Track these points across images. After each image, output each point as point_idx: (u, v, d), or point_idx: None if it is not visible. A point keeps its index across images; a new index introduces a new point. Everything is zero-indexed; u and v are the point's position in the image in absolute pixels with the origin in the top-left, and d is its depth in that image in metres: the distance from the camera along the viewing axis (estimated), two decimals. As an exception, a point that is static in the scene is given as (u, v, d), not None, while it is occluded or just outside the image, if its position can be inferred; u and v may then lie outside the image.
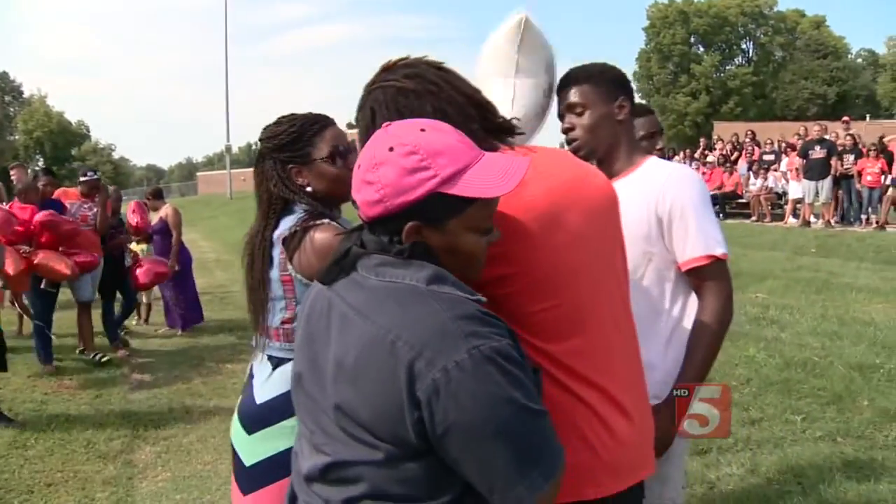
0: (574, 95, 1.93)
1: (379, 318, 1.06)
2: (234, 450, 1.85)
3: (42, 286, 5.91)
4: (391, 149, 1.09)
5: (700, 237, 1.83)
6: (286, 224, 1.80)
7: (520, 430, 1.03)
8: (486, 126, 1.36)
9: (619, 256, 1.48)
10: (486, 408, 1.00)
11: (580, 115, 1.93)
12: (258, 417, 1.78)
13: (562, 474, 1.08)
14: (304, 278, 1.74)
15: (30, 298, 6.14)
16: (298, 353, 1.24)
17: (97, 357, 6.30)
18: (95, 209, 6.43)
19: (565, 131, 1.97)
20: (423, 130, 1.11)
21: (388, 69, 1.37)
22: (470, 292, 1.10)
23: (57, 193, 6.47)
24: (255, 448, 1.78)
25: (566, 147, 2.01)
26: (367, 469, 1.08)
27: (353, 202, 1.17)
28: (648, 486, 1.84)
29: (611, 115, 1.92)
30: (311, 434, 1.18)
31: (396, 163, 1.08)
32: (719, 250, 1.84)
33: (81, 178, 6.65)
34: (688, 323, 1.88)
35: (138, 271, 6.69)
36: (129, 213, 7.51)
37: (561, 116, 1.98)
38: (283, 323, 1.81)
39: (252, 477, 1.78)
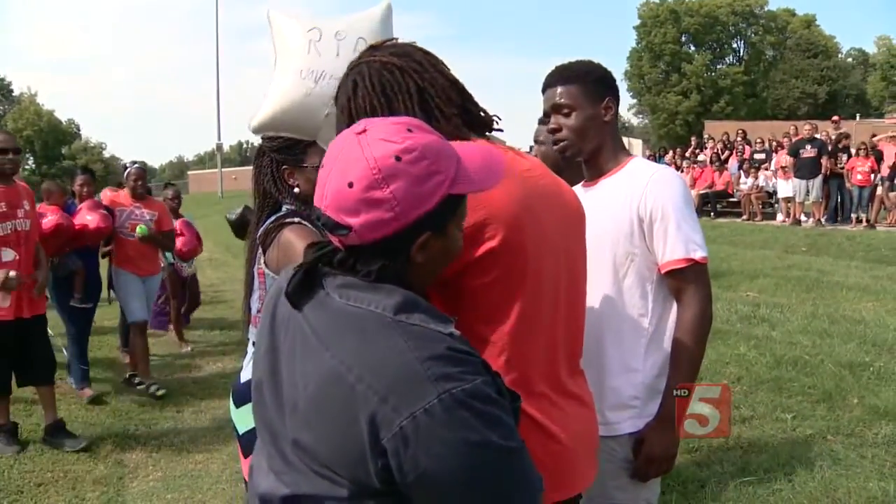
0: (561, 96, 1.90)
1: (339, 351, 0.98)
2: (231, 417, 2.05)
3: (72, 302, 5.20)
4: (398, 158, 0.99)
5: (680, 240, 1.80)
6: (268, 222, 1.96)
7: (496, 474, 0.96)
8: (466, 117, 1.35)
9: (580, 271, 1.48)
10: (460, 455, 0.92)
11: (567, 116, 1.90)
12: (241, 395, 1.93)
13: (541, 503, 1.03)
14: (273, 273, 1.88)
15: (62, 317, 5.34)
16: (262, 359, 1.14)
17: (153, 388, 5.29)
18: (148, 216, 5.52)
19: (552, 131, 1.94)
20: (410, 131, 1.02)
21: (375, 47, 1.36)
22: (443, 322, 1.01)
23: (109, 199, 5.56)
24: (243, 418, 1.93)
25: (552, 147, 2.01)
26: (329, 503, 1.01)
27: (330, 225, 1.02)
28: (623, 489, 1.84)
29: (598, 116, 1.90)
30: (269, 456, 1.11)
31: (408, 172, 0.98)
32: (699, 254, 1.81)
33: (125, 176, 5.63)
34: (669, 326, 1.86)
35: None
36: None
37: (546, 115, 1.96)
38: (259, 312, 1.96)
39: (245, 442, 1.94)
